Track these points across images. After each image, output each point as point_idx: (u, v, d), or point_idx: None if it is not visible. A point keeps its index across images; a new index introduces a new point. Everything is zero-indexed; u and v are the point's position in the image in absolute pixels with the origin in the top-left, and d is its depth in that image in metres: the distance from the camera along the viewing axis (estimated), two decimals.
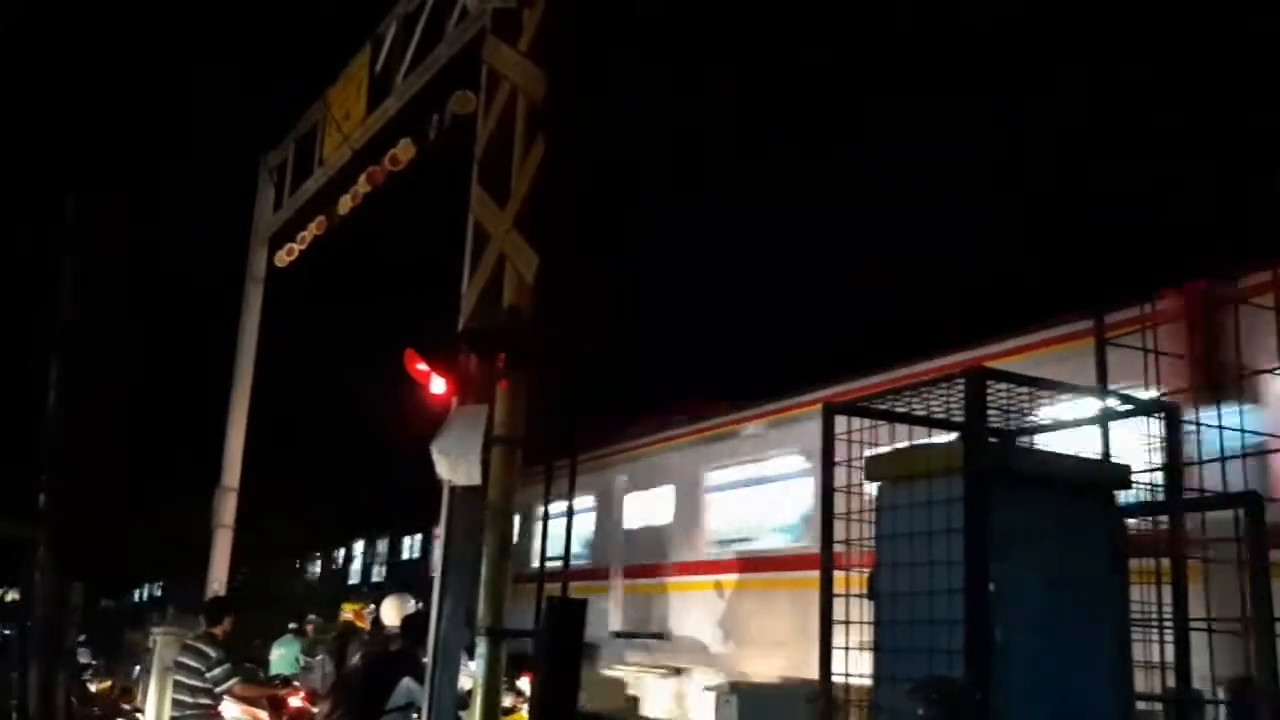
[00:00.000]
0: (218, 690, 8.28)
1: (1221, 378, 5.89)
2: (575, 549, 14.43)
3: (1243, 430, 5.37)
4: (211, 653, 8.29)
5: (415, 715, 7.13)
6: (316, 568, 31.91)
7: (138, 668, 11.75)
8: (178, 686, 8.40)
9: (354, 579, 26.45)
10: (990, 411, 4.86)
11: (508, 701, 8.87)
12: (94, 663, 15.18)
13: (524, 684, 9.75)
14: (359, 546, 26.91)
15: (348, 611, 10.76)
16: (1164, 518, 4.96)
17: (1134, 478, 4.91)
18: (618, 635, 12.95)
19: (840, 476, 5.07)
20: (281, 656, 11.91)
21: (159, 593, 38.98)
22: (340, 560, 28.97)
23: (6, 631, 12.64)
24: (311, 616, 14.00)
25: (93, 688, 13.76)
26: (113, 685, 13.86)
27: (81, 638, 13.20)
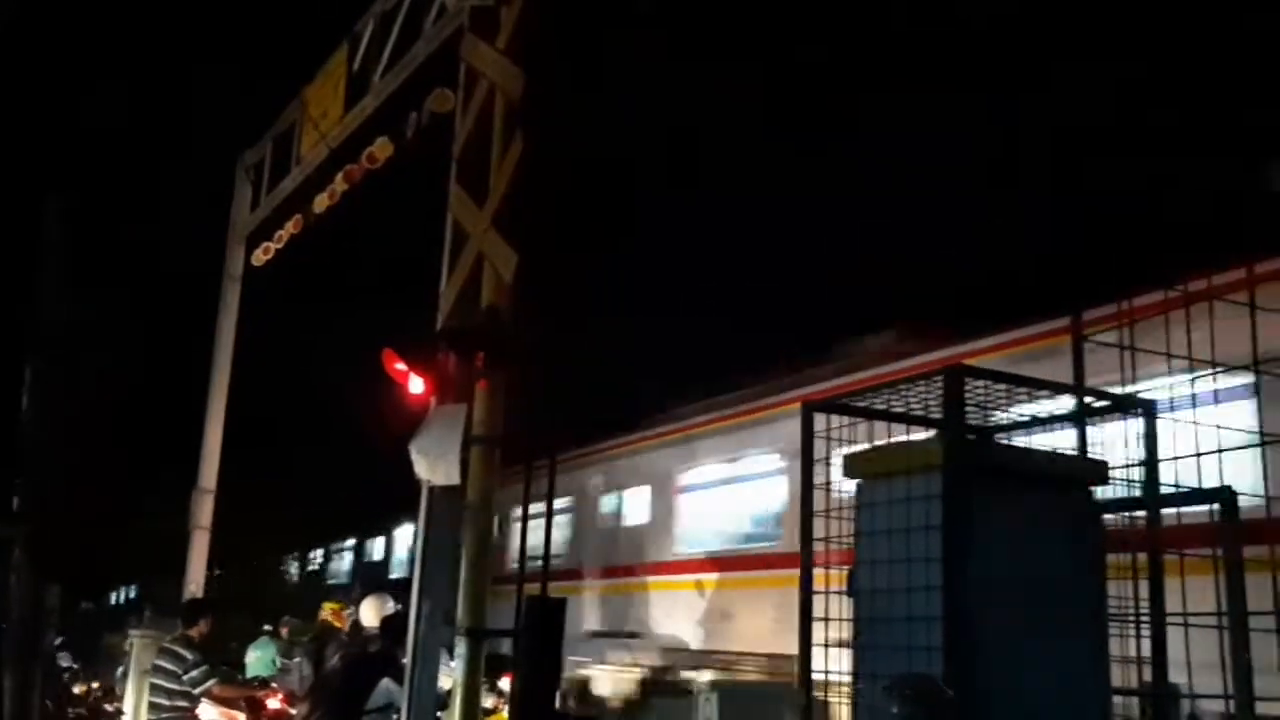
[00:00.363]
0: (195, 692, 8.24)
1: None
2: (752, 530, 13.21)
3: (1219, 427, 5.39)
4: (188, 655, 8.25)
5: (395, 716, 7.10)
6: (345, 560, 30.21)
7: (120, 669, 11.66)
8: (154, 689, 8.36)
9: (397, 572, 24.18)
10: (968, 408, 4.87)
11: (488, 702, 8.84)
12: (74, 665, 15.05)
13: (505, 684, 9.74)
14: (402, 532, 24.32)
15: (326, 612, 10.65)
16: (1141, 513, 4.98)
17: (1111, 473, 4.93)
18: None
19: None
20: (258, 659, 11.82)
21: (140, 594, 38.31)
22: (379, 550, 26.79)
23: None
24: (286, 617, 13.90)
25: (75, 690, 13.68)
26: (89, 689, 13.76)
27: (59, 640, 13.11)
